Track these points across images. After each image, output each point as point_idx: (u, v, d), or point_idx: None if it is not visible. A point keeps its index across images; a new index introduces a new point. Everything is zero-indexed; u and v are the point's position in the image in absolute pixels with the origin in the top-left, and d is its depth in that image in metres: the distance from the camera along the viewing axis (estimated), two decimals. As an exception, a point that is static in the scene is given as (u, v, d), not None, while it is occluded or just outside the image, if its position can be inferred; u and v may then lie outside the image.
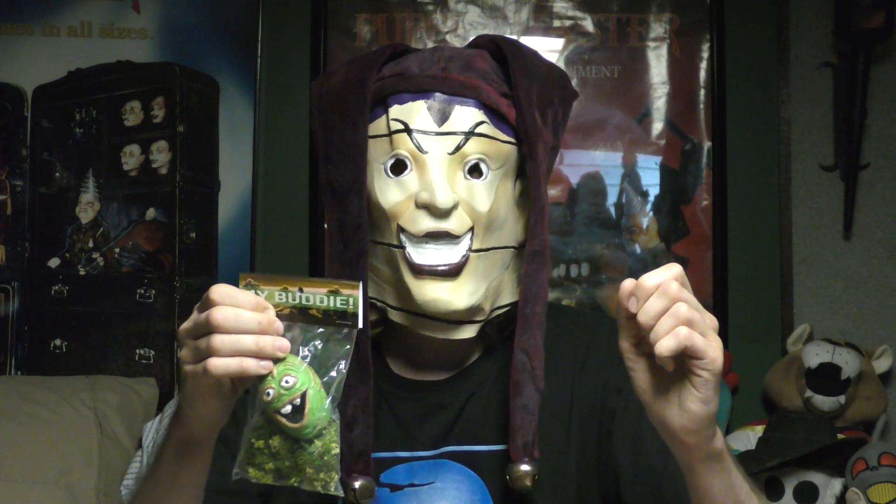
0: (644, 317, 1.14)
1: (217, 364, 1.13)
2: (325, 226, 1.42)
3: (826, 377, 3.10)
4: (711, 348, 1.15)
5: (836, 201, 3.36)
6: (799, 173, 3.38)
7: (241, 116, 3.35)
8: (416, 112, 1.45)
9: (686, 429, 1.20)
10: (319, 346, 1.17)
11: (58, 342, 3.29)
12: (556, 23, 3.40)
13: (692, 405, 1.17)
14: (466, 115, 1.45)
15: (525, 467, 1.40)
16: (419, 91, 1.46)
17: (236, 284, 1.18)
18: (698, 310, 1.15)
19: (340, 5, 3.38)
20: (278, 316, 1.16)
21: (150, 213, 3.31)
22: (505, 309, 1.53)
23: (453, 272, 1.43)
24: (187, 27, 3.35)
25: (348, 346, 1.17)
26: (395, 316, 1.49)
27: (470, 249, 1.44)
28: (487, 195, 1.45)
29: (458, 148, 1.44)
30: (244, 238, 3.33)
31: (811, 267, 3.37)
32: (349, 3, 3.39)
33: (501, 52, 1.51)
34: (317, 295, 1.16)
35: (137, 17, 3.35)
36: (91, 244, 3.30)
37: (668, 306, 1.14)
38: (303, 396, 1.14)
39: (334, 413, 1.16)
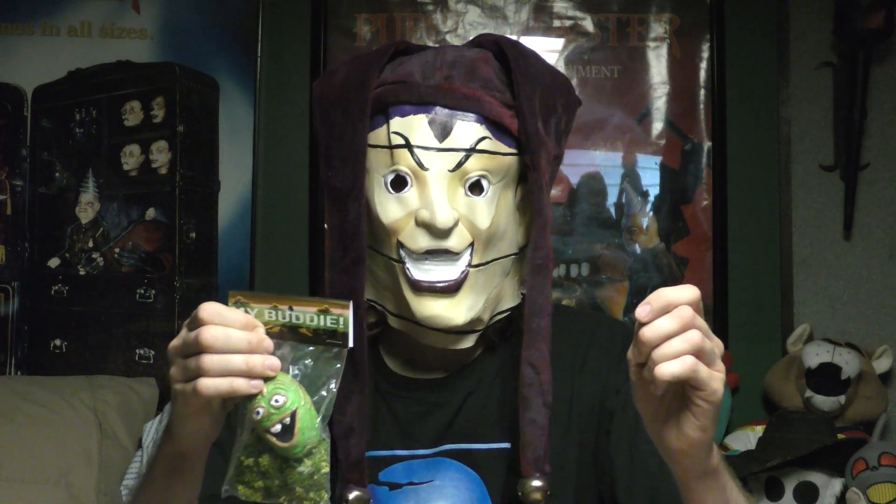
0: (651, 333, 1.12)
1: (207, 384, 1.13)
2: (326, 227, 1.42)
3: (826, 377, 3.10)
4: (714, 380, 1.13)
5: (836, 201, 3.36)
6: (799, 173, 3.38)
7: (241, 116, 3.35)
8: (417, 126, 1.44)
9: (683, 452, 1.20)
10: (310, 365, 1.17)
11: (58, 342, 3.30)
12: (556, 23, 3.39)
13: (690, 431, 1.17)
14: (468, 131, 1.44)
15: (536, 483, 1.39)
16: (421, 103, 1.45)
17: (227, 299, 1.18)
18: (708, 337, 1.14)
19: (340, 5, 3.38)
20: (268, 334, 1.16)
21: (150, 213, 3.31)
22: (506, 314, 1.53)
23: (452, 289, 1.43)
24: (187, 27, 3.35)
25: (339, 365, 1.17)
26: (394, 322, 1.49)
27: (469, 265, 1.44)
28: (488, 211, 1.45)
29: (460, 165, 1.43)
30: (244, 238, 3.33)
31: (811, 267, 3.37)
32: (349, 3, 3.38)
33: (504, 54, 1.50)
34: (307, 313, 1.16)
35: (137, 17, 3.35)
36: (91, 244, 3.31)
37: (678, 330, 1.11)
38: (293, 415, 1.13)
39: (324, 432, 1.16)
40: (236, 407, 1.20)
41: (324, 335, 1.16)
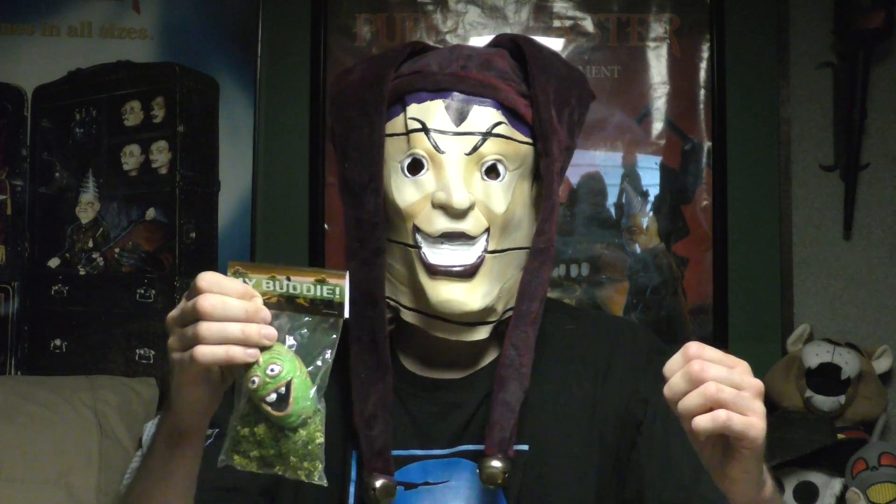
0: (669, 393, 1.14)
1: (203, 352, 1.13)
2: (343, 222, 1.42)
3: (826, 377, 3.10)
4: (752, 428, 1.12)
5: (836, 201, 3.35)
6: (799, 173, 3.37)
7: (241, 116, 3.35)
8: (434, 111, 1.46)
9: (728, 490, 1.20)
10: (306, 335, 1.18)
11: (58, 342, 3.29)
12: (556, 23, 3.39)
13: (733, 473, 1.17)
14: (484, 116, 1.46)
15: (497, 463, 1.40)
16: (437, 90, 1.47)
17: (227, 269, 1.19)
18: (734, 384, 1.13)
19: (340, 5, 3.38)
20: (266, 304, 1.16)
21: (150, 213, 3.31)
22: None
23: (468, 273, 1.44)
24: (187, 27, 3.35)
25: (334, 336, 1.17)
26: (407, 316, 1.50)
27: (485, 251, 1.45)
28: (504, 196, 1.46)
29: (476, 148, 1.44)
30: (244, 238, 3.33)
31: (811, 267, 3.37)
32: (349, 3, 3.38)
33: (521, 51, 1.51)
34: (304, 284, 1.17)
35: (137, 17, 3.35)
36: (91, 244, 3.31)
37: (690, 387, 1.12)
38: (288, 385, 1.14)
39: (320, 402, 1.17)
40: (237, 388, 1.20)
41: (320, 305, 1.17)
